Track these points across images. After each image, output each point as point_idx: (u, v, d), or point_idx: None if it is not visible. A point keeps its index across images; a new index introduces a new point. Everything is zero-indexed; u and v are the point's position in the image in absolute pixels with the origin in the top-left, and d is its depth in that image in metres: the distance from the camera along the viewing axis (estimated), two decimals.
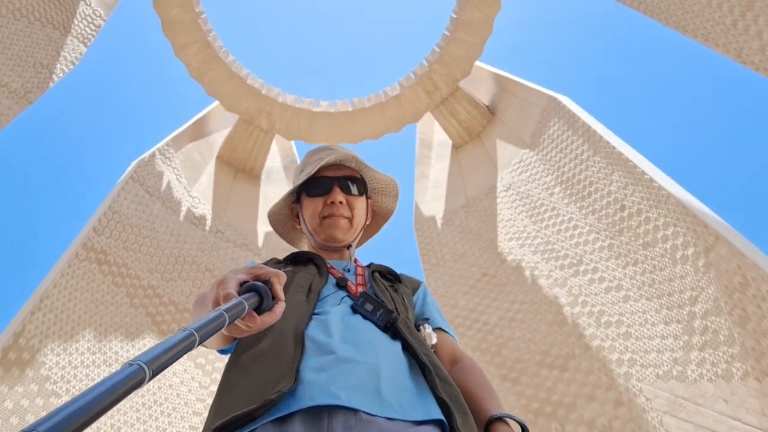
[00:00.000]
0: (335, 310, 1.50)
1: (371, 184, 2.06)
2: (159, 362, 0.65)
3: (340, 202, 1.86)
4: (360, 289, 1.65)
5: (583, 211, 6.96)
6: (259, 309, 1.04)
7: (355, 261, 1.89)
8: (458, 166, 10.13)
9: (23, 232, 29.73)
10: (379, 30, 36.23)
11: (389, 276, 1.85)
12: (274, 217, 2.08)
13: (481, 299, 7.80)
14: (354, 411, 1.16)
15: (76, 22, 8.18)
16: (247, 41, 34.00)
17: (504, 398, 6.62)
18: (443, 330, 1.75)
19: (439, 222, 9.34)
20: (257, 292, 1.04)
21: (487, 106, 10.27)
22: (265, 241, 9.43)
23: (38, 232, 29.65)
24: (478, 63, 10.09)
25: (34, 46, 7.39)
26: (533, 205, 7.86)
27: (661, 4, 6.08)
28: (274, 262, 1.84)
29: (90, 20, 8.48)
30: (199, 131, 10.14)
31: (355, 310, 1.51)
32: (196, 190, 9.12)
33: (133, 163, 8.35)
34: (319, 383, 1.21)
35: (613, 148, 6.73)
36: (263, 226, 9.72)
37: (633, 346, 5.90)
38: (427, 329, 1.63)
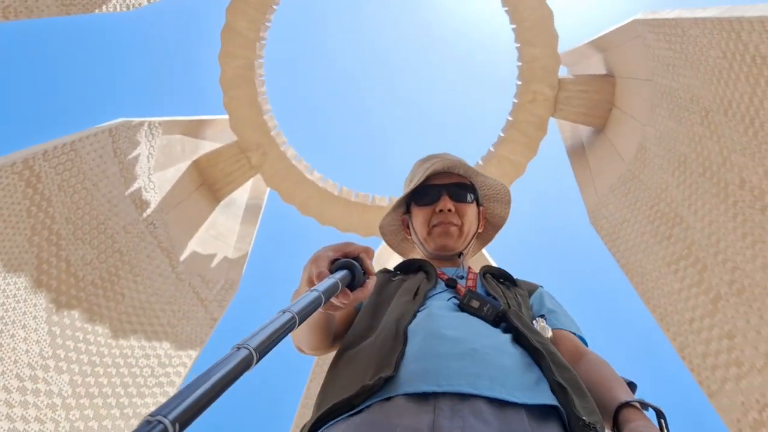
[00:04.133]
0: (439, 305, 1.44)
1: (482, 191, 2.01)
2: (264, 345, 0.70)
3: (449, 210, 1.82)
4: (468, 288, 1.56)
5: None
6: (352, 285, 1.07)
7: (469, 268, 1.79)
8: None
9: None
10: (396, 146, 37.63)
11: (502, 278, 1.76)
12: (385, 229, 2.06)
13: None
14: (460, 396, 1.08)
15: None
16: (288, 91, 34.92)
17: None
18: (566, 330, 1.61)
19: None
20: (348, 268, 1.07)
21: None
22: (189, 258, 9.10)
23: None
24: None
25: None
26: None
27: (638, 269, 6.47)
28: (384, 272, 1.78)
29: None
30: (194, 130, 10.08)
31: (461, 308, 1.43)
32: (157, 177, 8.89)
33: (119, 120, 8.18)
34: (420, 371, 1.14)
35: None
36: (193, 245, 9.42)
37: None
38: (542, 323, 1.51)
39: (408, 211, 1.98)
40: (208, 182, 10.37)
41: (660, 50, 6.71)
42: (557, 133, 10.79)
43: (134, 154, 8.29)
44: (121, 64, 31.91)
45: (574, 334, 1.62)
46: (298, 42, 34.57)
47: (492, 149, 9.63)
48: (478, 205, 1.97)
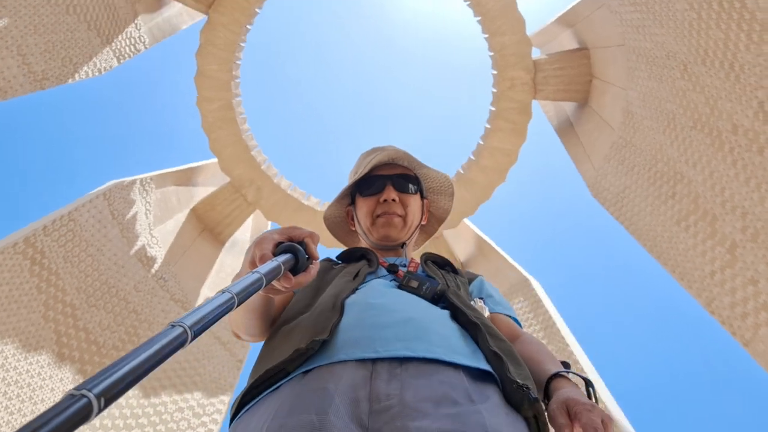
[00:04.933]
0: (378, 282, 1.45)
1: (426, 183, 2.03)
2: (200, 324, 0.68)
3: (393, 200, 1.83)
4: (408, 270, 1.60)
5: None
6: (295, 269, 1.05)
7: (411, 259, 1.80)
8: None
9: None
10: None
11: (444, 265, 1.79)
12: (330, 220, 2.06)
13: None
14: (399, 360, 1.09)
15: (119, 38, 8.42)
16: (270, 121, 35.05)
17: None
18: (503, 314, 1.66)
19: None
20: (293, 252, 1.06)
21: (461, 263, 10.45)
22: None
23: None
24: (465, 220, 10.40)
25: (71, 42, 7.53)
26: None
27: (649, 233, 6.46)
28: (326, 260, 1.79)
29: (133, 42, 8.74)
30: (186, 178, 10.11)
31: (401, 287, 1.44)
32: (158, 231, 8.91)
33: (111, 183, 8.20)
34: (355, 337, 1.15)
35: (566, 345, 6.80)
36: (207, 290, 9.42)
37: None
38: (480, 303, 1.54)
39: (353, 203, 1.99)
40: (209, 227, 10.39)
41: (627, 14, 6.78)
42: (543, 115, 10.82)
43: (132, 213, 8.30)
44: (102, 126, 32.05)
45: (511, 318, 1.67)
46: (269, 65, 34.77)
47: (481, 142, 9.64)
48: (422, 197, 1.98)
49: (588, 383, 1.26)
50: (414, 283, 1.45)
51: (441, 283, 1.48)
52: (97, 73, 8.09)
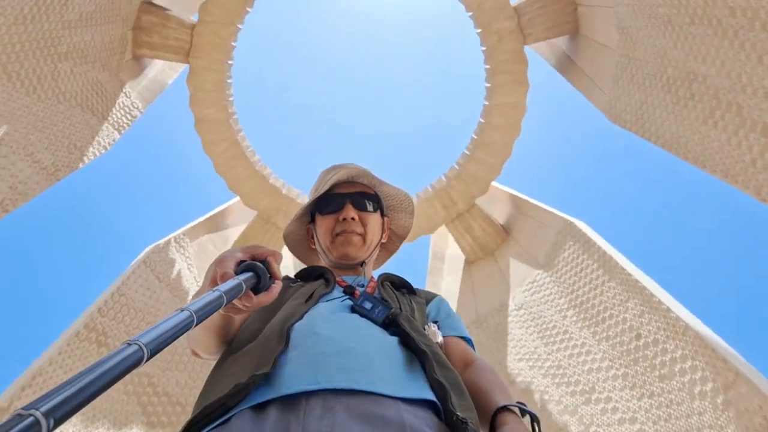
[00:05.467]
0: (329, 305, 1.43)
1: (386, 201, 2.03)
2: (157, 342, 0.66)
3: (353, 219, 1.83)
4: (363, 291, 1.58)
5: (597, 337, 6.79)
6: (257, 288, 1.03)
7: (371, 278, 1.81)
8: (470, 280, 10.07)
9: (29, 308, 29.51)
10: (401, 142, 37.57)
11: (402, 287, 1.77)
12: (290, 238, 2.05)
13: None
14: (334, 392, 1.06)
15: (114, 111, 8.57)
16: (273, 142, 35.32)
17: None
18: (458, 337, 1.65)
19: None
20: (254, 271, 1.03)
21: (502, 226, 10.38)
22: None
23: (44, 309, 29.45)
24: (495, 183, 10.32)
25: (71, 128, 7.69)
26: (545, 327, 7.70)
27: (679, 141, 6.29)
28: (285, 279, 1.76)
29: (127, 111, 8.89)
30: (216, 224, 10.26)
31: (353, 310, 1.43)
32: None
33: (147, 249, 8.38)
34: (297, 369, 1.13)
35: (629, 275, 6.68)
36: None
37: None
38: (432, 328, 1.53)
39: (313, 221, 1.98)
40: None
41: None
42: (539, 58, 10.65)
43: (175, 271, 8.47)
44: (122, 196, 32.74)
45: (465, 339, 1.66)
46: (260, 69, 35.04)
47: (486, 102, 9.54)
48: (382, 215, 1.97)
49: (534, 419, 1.25)
50: (367, 305, 1.44)
51: (394, 307, 1.46)
52: (103, 151, 8.26)
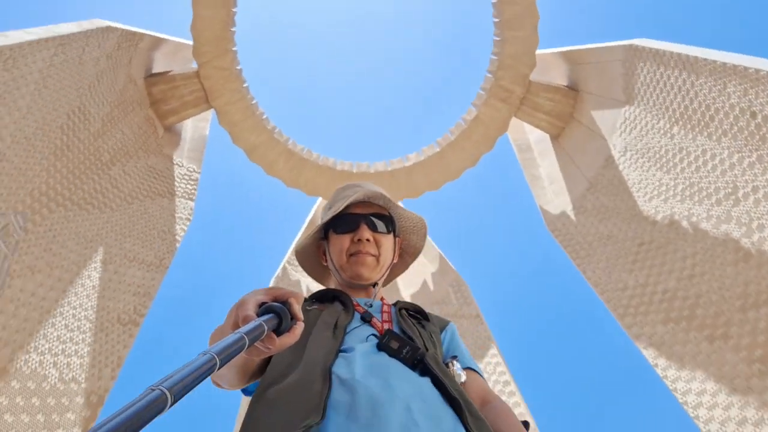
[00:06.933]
0: (360, 347, 1.47)
1: (399, 222, 2.05)
2: (180, 387, 0.65)
3: (367, 240, 1.85)
4: (386, 326, 1.62)
5: (714, 137, 6.41)
6: (278, 330, 1.03)
7: (382, 299, 1.87)
8: (564, 153, 9.79)
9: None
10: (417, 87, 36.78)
11: (416, 314, 1.81)
12: (301, 254, 2.08)
13: (649, 270, 7.30)
14: None
15: (177, 184, 9.05)
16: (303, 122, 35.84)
17: (721, 359, 6.04)
18: (472, 370, 1.71)
19: (571, 214, 8.99)
20: (276, 313, 1.03)
21: (567, 86, 9.95)
22: None
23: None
24: (539, 51, 9.88)
25: (152, 219, 8.23)
26: (658, 156, 7.37)
27: None
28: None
29: (187, 177, 9.35)
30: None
31: (380, 348, 1.48)
32: None
33: (271, 281, 8.84)
34: (348, 420, 1.18)
35: (714, 62, 6.22)
36: None
37: None
38: (456, 366, 1.60)
39: (326, 237, 1.98)
40: None
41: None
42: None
43: (304, 288, 8.85)
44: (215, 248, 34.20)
45: (477, 373, 1.72)
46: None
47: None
48: (395, 236, 1.98)
49: None
50: (394, 344, 1.46)
51: (420, 347, 1.49)
52: (188, 223, 8.78)
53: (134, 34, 8.05)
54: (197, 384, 0.69)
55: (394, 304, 1.81)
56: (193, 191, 9.15)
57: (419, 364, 1.45)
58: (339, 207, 1.88)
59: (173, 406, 0.63)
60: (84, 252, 6.76)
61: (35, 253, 5.96)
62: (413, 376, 1.40)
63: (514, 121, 10.52)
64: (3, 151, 5.51)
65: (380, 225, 1.91)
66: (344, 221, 1.90)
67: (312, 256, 2.11)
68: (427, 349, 1.53)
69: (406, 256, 2.17)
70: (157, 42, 8.99)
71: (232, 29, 9.15)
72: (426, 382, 1.39)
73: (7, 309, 5.44)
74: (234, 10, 8.95)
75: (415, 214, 2.05)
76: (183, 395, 0.65)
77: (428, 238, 10.67)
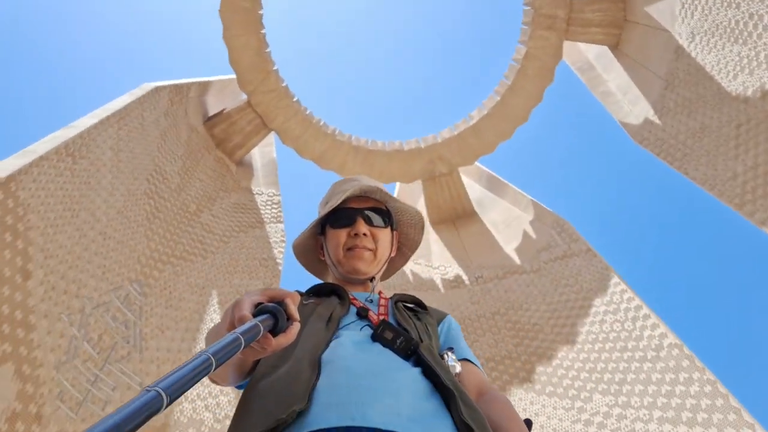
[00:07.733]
0: (354, 336, 1.47)
1: (397, 216, 2.03)
2: (175, 388, 0.65)
3: (364, 234, 1.84)
4: (381, 318, 1.60)
5: None
6: (274, 330, 1.04)
7: (380, 293, 1.84)
8: (630, 59, 9.25)
9: None
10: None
11: (414, 306, 1.79)
12: (299, 249, 2.07)
13: (755, 150, 6.77)
14: (371, 430, 1.12)
15: (262, 211, 9.40)
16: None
17: None
18: (469, 361, 1.67)
19: (655, 119, 8.49)
20: (272, 313, 1.04)
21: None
22: None
23: None
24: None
25: (250, 251, 8.59)
26: (730, 29, 6.79)
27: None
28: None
29: (270, 202, 9.68)
30: None
31: (374, 338, 1.47)
32: None
33: None
34: (333, 404, 1.18)
35: None
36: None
37: None
38: (450, 358, 1.55)
39: (323, 233, 1.97)
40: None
41: None
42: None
43: None
44: None
45: (475, 364, 1.69)
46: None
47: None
48: (392, 229, 1.96)
49: None
50: (388, 335, 1.46)
51: (415, 338, 1.49)
52: (282, 245, 9.12)
53: (181, 86, 8.41)
54: (193, 384, 0.70)
55: (391, 297, 1.82)
56: (279, 214, 9.47)
57: (413, 355, 1.46)
58: (335, 202, 1.89)
59: (168, 407, 0.65)
60: (200, 299, 7.18)
61: (158, 312, 6.40)
62: (405, 365, 1.41)
63: (567, 45, 10.05)
64: (103, 231, 5.93)
65: (377, 219, 1.91)
66: (341, 216, 1.90)
67: (310, 252, 2.12)
68: (421, 341, 1.53)
69: (405, 250, 2.16)
70: (205, 86, 9.35)
71: (267, 50, 9.34)
72: (418, 372, 1.39)
73: (149, 369, 5.89)
74: (263, 32, 9.14)
75: (412, 207, 2.04)
76: (179, 396, 0.66)
77: (510, 185, 10.53)
